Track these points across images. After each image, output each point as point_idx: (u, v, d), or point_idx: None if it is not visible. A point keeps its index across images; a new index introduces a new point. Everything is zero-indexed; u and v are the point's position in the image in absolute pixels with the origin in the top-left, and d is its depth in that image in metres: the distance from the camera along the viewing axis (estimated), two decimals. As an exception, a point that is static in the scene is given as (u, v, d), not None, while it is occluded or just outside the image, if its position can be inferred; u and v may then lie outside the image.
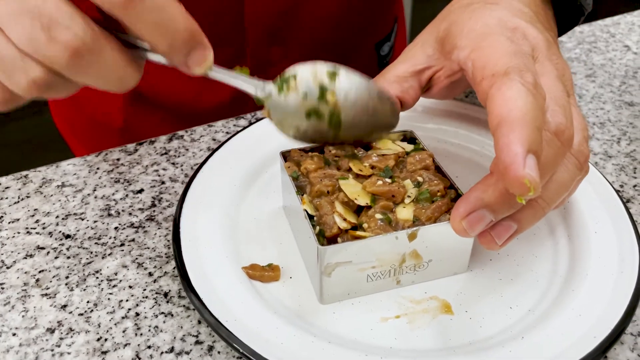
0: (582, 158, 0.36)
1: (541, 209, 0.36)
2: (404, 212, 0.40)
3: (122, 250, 0.46)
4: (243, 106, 0.66)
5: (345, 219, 0.40)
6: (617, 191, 0.47)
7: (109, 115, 0.71)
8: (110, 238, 0.47)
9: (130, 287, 0.43)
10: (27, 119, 1.72)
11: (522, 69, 0.34)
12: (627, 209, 0.45)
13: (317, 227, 0.40)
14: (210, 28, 0.63)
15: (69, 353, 0.38)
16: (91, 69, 0.32)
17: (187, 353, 0.38)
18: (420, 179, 0.42)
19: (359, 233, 0.39)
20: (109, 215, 0.49)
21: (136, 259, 0.45)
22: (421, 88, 0.45)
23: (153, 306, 0.41)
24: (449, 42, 0.40)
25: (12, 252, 0.46)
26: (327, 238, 0.39)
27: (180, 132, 0.58)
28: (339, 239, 0.39)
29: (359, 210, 0.41)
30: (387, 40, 0.78)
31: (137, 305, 0.41)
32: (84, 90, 0.38)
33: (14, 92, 0.33)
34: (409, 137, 0.48)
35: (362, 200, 0.40)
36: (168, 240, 0.46)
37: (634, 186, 0.51)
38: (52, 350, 0.38)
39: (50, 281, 0.43)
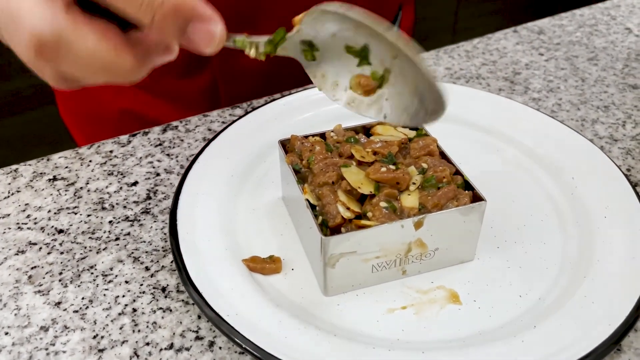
0: None
1: None
2: (410, 200, 0.39)
3: (117, 245, 0.44)
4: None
5: (348, 208, 0.38)
6: (625, 175, 0.46)
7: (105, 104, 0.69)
8: (104, 232, 0.45)
9: (126, 282, 0.41)
10: (18, 116, 1.70)
11: None
12: (637, 193, 0.44)
13: (320, 217, 0.38)
14: None
15: (64, 352, 0.37)
16: (64, 59, 0.30)
17: (187, 349, 0.37)
18: (424, 165, 0.41)
19: (363, 222, 0.37)
20: (103, 209, 0.47)
21: (132, 253, 0.43)
22: None
23: (151, 301, 0.40)
24: None
25: (2, 248, 0.44)
26: (330, 228, 0.38)
27: (175, 123, 0.57)
28: (342, 229, 0.38)
29: (362, 198, 0.40)
30: None
31: (134, 301, 0.40)
32: None
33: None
34: (412, 123, 0.46)
35: (366, 189, 0.39)
36: (164, 234, 0.45)
37: (641, 170, 0.50)
38: (47, 349, 0.37)
39: (44, 277, 0.42)
